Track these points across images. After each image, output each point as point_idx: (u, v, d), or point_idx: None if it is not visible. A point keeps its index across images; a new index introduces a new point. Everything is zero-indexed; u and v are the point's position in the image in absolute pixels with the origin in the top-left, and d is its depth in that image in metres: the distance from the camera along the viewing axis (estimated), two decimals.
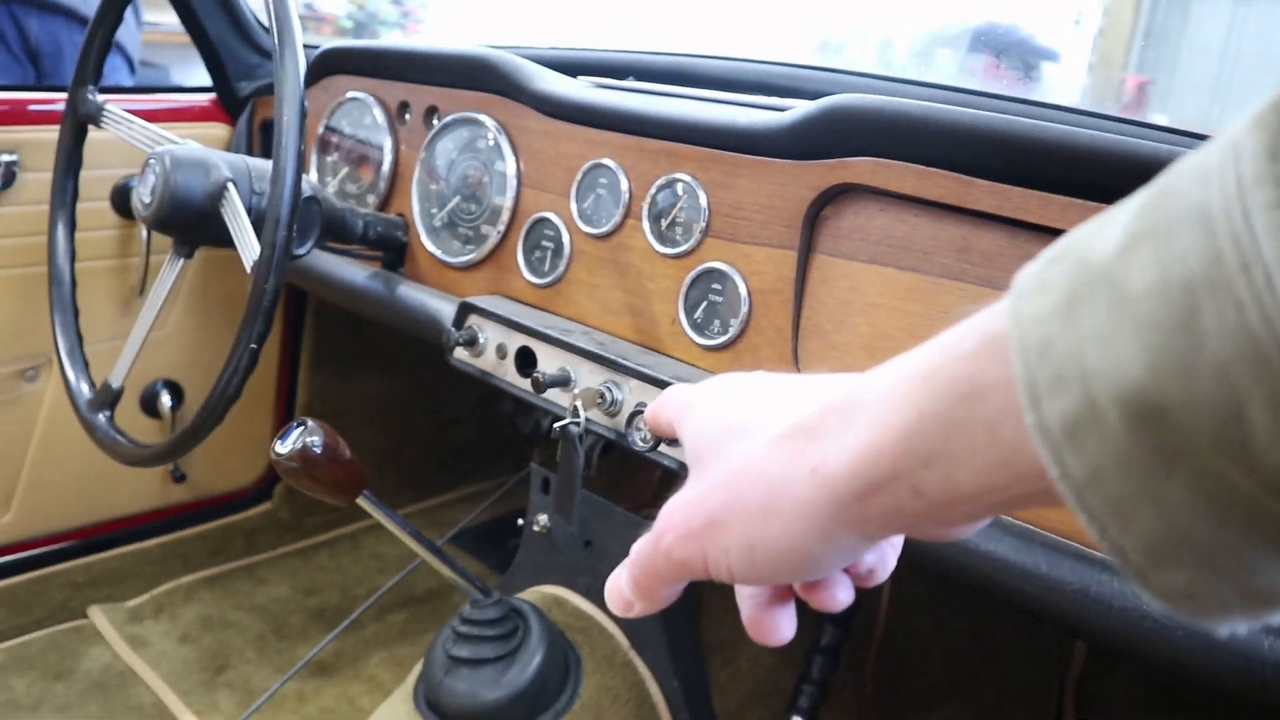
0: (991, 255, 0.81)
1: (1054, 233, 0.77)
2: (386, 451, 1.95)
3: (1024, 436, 0.31)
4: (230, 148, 1.57)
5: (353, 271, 1.29)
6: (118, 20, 1.24)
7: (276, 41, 0.95)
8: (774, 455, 0.40)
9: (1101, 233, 0.31)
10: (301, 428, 0.89)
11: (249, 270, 0.95)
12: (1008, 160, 0.78)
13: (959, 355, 0.34)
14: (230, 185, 1.06)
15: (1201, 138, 0.92)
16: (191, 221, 1.08)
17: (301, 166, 0.92)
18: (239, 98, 1.60)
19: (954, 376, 0.34)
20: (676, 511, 0.44)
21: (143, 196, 1.08)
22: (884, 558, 0.46)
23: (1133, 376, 0.28)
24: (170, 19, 1.63)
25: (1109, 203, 0.74)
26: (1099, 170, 0.74)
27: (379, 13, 4.55)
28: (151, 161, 1.09)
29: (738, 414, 0.44)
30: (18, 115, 1.44)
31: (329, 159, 1.41)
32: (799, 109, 0.91)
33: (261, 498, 1.85)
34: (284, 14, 0.95)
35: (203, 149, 1.11)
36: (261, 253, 0.92)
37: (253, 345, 0.93)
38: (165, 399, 1.64)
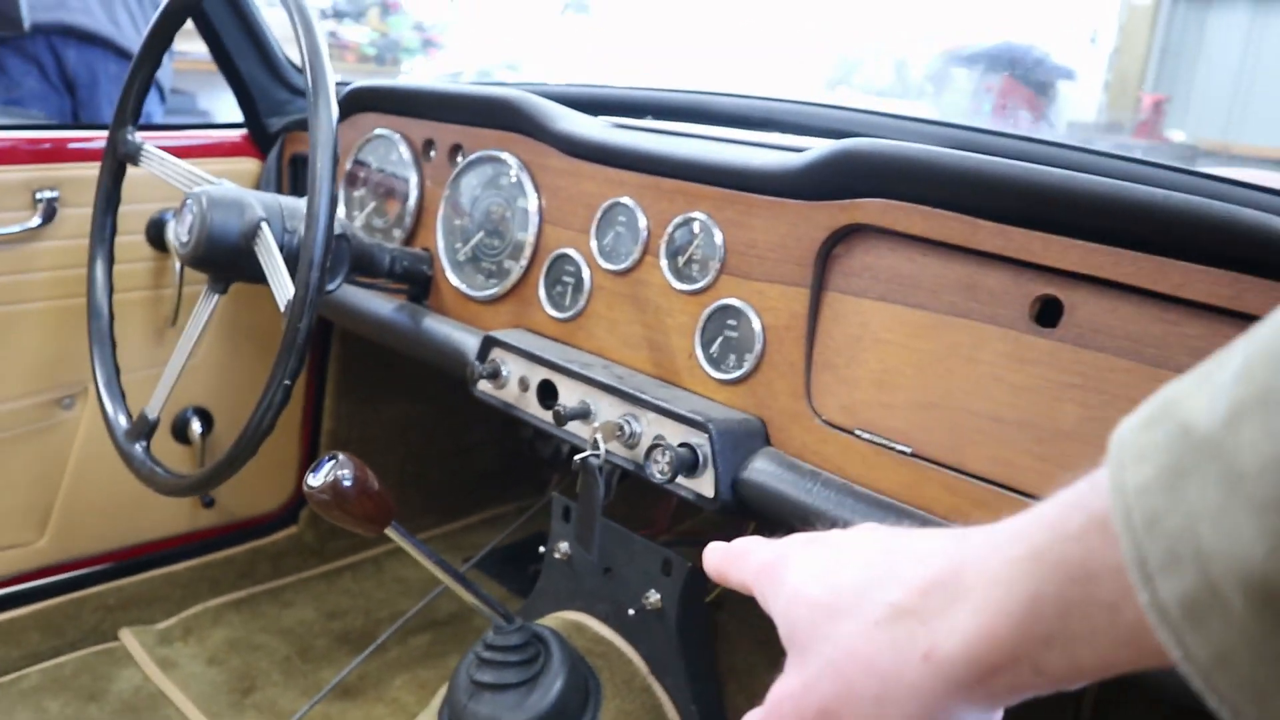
0: (997, 294, 0.83)
1: (1055, 272, 0.80)
2: (410, 476, 1.99)
3: (1146, 618, 0.30)
4: (260, 182, 1.61)
5: (379, 304, 1.33)
6: (157, 64, 1.29)
7: (310, 88, 0.99)
8: (880, 641, 0.39)
9: (1201, 393, 0.30)
10: (333, 461, 0.93)
11: (283, 309, 0.99)
12: (1010, 203, 0.81)
13: (1066, 536, 0.34)
14: (264, 225, 1.10)
15: (1201, 175, 0.94)
16: (227, 259, 1.12)
17: (334, 210, 0.96)
18: (269, 133, 1.65)
19: (1064, 559, 0.34)
20: (785, 701, 0.43)
21: (180, 235, 1.13)
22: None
23: (1255, 560, 0.27)
24: (196, 48, 1.68)
25: (1108, 244, 0.77)
26: (1096, 214, 0.77)
27: (401, 39, 4.63)
28: (189, 202, 1.13)
29: (829, 591, 0.42)
30: (59, 153, 1.49)
31: (356, 193, 1.45)
32: (811, 152, 0.94)
33: (287, 522, 1.89)
34: (317, 62, 0.99)
35: (238, 189, 1.15)
36: (295, 293, 0.96)
37: (286, 382, 0.97)
38: (195, 426, 1.68)
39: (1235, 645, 0.28)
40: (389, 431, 1.94)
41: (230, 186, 1.17)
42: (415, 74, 4.85)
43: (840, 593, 0.42)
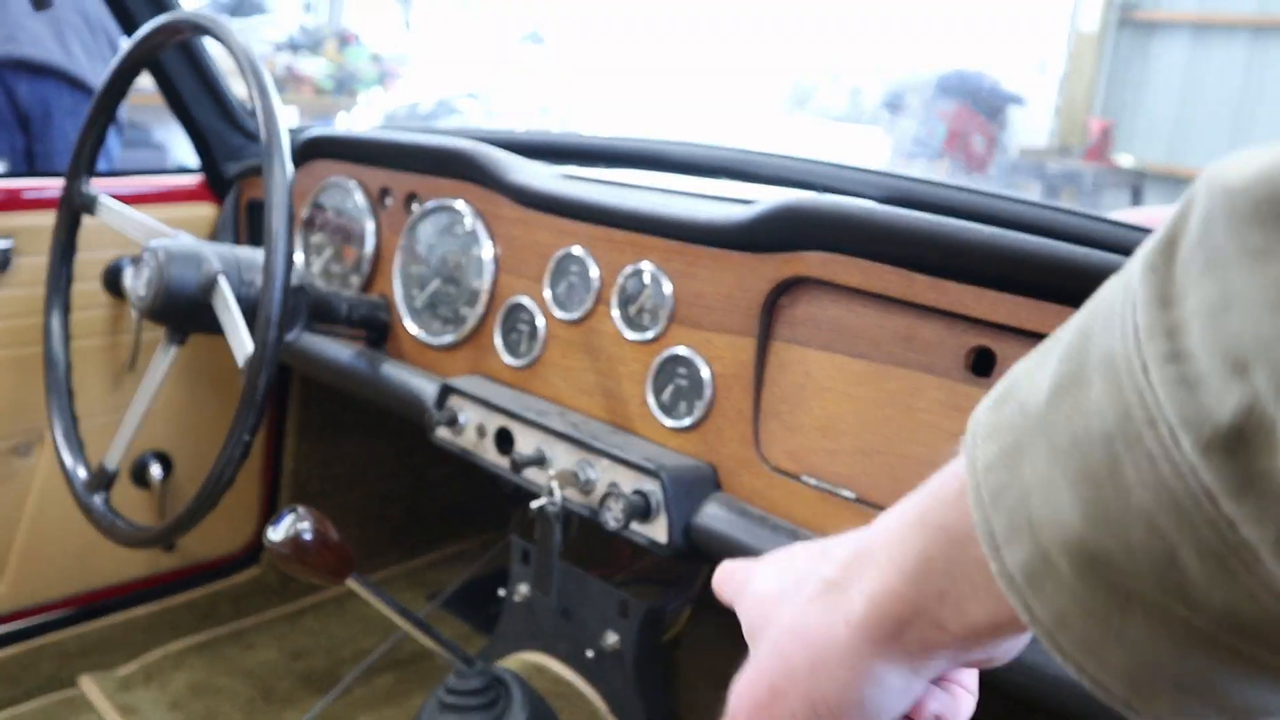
0: (932, 344, 0.87)
1: (987, 324, 0.83)
2: (372, 513, 1.99)
3: None
4: (217, 227, 1.62)
5: (337, 350, 1.34)
6: (113, 116, 1.30)
7: (265, 149, 1.01)
8: (811, 614, 0.42)
9: (1038, 375, 0.33)
10: (293, 514, 0.94)
11: (241, 366, 1.00)
12: (943, 258, 0.85)
13: (944, 501, 0.37)
14: (221, 278, 1.12)
15: (1130, 228, 0.99)
16: (185, 312, 1.14)
17: (291, 269, 0.98)
18: (225, 179, 1.66)
19: (944, 522, 0.37)
20: (743, 690, 0.45)
21: (138, 289, 1.14)
22: (956, 706, 0.46)
23: (1072, 527, 0.30)
24: (151, 82, 1.69)
25: (1036, 298, 0.80)
26: (1024, 270, 0.80)
27: (358, 71, 4.64)
28: (147, 256, 1.15)
29: (778, 583, 0.46)
30: (13, 201, 1.49)
31: (313, 239, 1.47)
32: (755, 207, 0.97)
33: (248, 563, 1.89)
34: (273, 125, 1.01)
35: (195, 242, 1.17)
36: (254, 351, 0.97)
37: (246, 437, 0.98)
38: (155, 470, 1.68)
39: (1068, 607, 0.31)
40: (350, 470, 1.95)
41: (188, 239, 1.18)
42: (374, 104, 4.87)
43: (785, 582, 0.45)
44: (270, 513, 1.89)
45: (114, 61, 1.27)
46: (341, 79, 4.46)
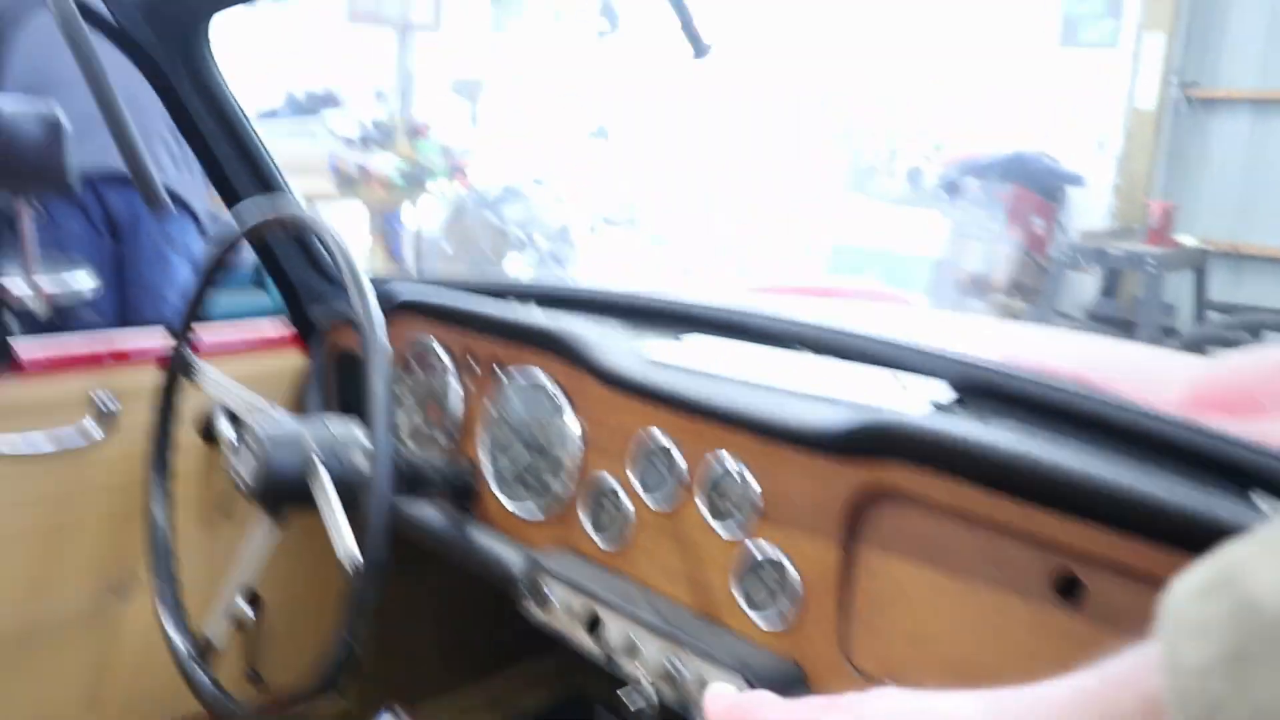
0: (1019, 566, 0.88)
1: (1073, 553, 0.85)
2: (450, 641, 2.03)
3: None
4: (306, 384, 1.68)
5: (426, 513, 1.39)
6: (216, 280, 1.37)
7: (367, 366, 1.06)
8: None
9: (1268, 564, 0.28)
10: (389, 715, 0.98)
11: (348, 569, 1.05)
12: (1028, 483, 0.87)
13: (1115, 716, 0.32)
14: (320, 466, 1.17)
15: (1212, 436, 0.99)
16: (285, 495, 1.19)
17: (391, 500, 1.02)
18: (312, 323, 1.73)
19: None
20: None
21: (242, 475, 1.20)
22: None
23: None
24: None
25: (1125, 529, 0.81)
26: (1107, 502, 0.82)
27: (430, 165, 4.78)
28: (249, 439, 1.20)
29: None
30: (118, 357, 1.57)
31: (402, 397, 1.52)
32: (842, 417, 0.99)
33: (329, 687, 1.92)
34: (373, 340, 1.06)
35: (294, 425, 1.22)
36: (364, 569, 1.01)
37: (349, 639, 1.02)
38: (246, 610, 1.73)
39: None
40: (429, 598, 1.98)
41: (286, 421, 1.23)
42: (442, 194, 5.00)
43: None
44: None
45: (220, 243, 1.35)
46: (414, 174, 4.60)
